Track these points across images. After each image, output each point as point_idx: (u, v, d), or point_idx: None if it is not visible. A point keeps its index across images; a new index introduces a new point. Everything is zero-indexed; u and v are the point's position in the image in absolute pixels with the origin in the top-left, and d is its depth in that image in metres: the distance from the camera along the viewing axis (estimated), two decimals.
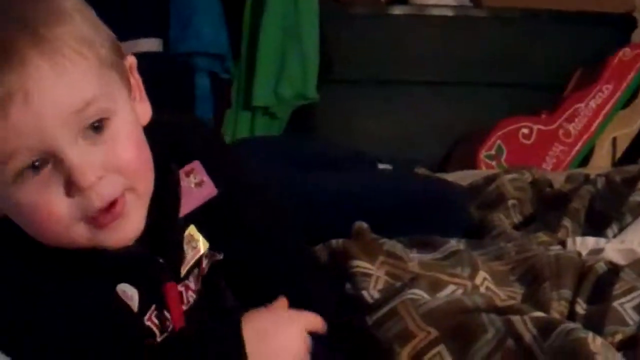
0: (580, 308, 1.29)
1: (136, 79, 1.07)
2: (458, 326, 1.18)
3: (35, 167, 0.96)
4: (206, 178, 1.12)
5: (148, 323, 1.08)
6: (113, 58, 1.02)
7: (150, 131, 1.06)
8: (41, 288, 1.03)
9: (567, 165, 2.78)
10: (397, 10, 2.77)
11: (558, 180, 1.95)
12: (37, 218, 0.98)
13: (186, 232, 1.11)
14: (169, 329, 1.09)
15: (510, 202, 1.75)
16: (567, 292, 1.32)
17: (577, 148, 2.80)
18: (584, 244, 1.52)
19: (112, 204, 0.98)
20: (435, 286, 1.28)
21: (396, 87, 2.79)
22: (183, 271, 1.10)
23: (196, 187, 1.12)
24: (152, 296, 1.08)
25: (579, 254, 1.45)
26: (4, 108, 0.93)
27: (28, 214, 0.99)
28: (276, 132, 2.69)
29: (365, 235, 1.44)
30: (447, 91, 2.82)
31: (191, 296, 1.12)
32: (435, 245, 1.44)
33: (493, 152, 2.73)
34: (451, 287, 1.29)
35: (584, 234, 1.61)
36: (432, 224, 1.55)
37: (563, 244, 1.52)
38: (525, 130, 2.76)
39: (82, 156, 0.96)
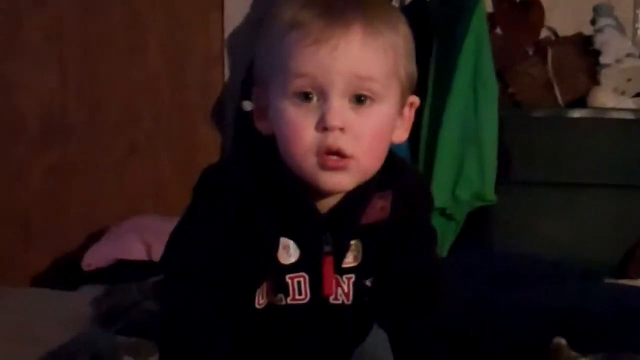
0: None
1: (408, 115, 1.27)
2: None
3: (307, 97, 1.19)
4: (388, 206, 1.28)
5: (288, 281, 1.25)
6: (404, 81, 1.23)
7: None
8: (243, 201, 1.22)
9: None
10: (577, 113, 2.76)
11: None
12: (290, 136, 1.20)
13: (353, 242, 1.28)
14: (305, 299, 1.25)
15: None
16: None
17: None
18: None
19: (340, 155, 1.18)
20: None
21: (575, 189, 2.76)
22: (344, 265, 1.27)
23: (380, 210, 1.28)
24: (309, 262, 1.25)
25: None
26: (323, 48, 1.17)
27: (285, 130, 1.20)
28: (452, 234, 2.70)
29: (564, 352, 1.43)
30: (627, 194, 2.77)
31: (341, 296, 1.27)
32: None
33: None
34: None
35: None
36: None
37: None
38: None
39: (341, 107, 1.18)
